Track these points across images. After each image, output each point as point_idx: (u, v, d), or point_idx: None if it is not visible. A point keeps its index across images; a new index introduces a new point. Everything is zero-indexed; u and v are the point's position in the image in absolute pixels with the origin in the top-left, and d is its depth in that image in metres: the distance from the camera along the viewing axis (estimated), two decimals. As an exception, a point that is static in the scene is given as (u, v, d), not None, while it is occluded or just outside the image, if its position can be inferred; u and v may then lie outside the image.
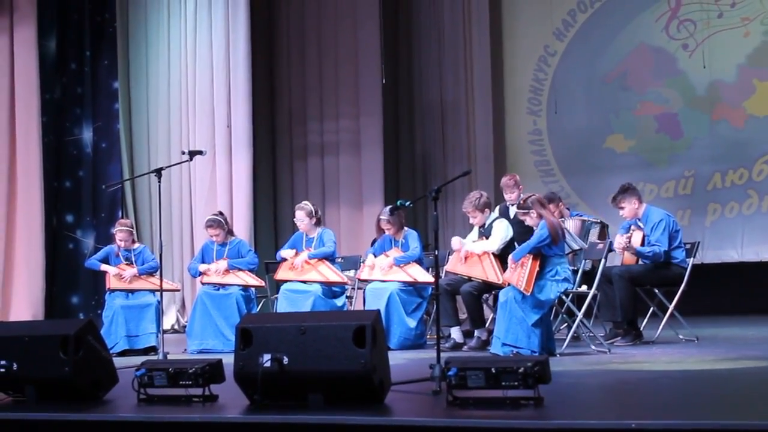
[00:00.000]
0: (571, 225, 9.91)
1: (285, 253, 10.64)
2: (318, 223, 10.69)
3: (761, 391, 6.18)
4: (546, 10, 14.78)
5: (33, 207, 13.56)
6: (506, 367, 5.31)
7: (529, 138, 14.80)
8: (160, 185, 9.25)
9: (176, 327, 13.90)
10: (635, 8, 14.29)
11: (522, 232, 9.43)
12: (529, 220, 8.47)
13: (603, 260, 9.05)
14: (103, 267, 10.76)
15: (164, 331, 9.95)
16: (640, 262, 9.56)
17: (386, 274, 10.10)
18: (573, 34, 14.66)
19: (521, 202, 8.60)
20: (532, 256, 8.27)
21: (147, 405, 5.96)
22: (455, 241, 9.91)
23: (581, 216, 10.64)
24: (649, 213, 9.60)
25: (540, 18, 14.81)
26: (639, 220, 9.62)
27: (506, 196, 10.52)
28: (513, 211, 10.23)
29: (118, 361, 6.99)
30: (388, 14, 14.87)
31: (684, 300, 9.52)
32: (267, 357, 5.58)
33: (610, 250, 9.37)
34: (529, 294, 8.12)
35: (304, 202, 10.84)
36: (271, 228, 15.00)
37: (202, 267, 10.60)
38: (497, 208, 10.54)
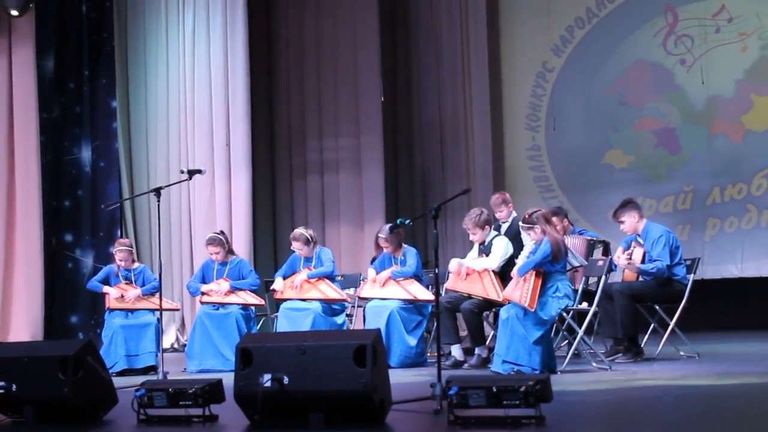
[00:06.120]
0: (578, 244, 9.89)
1: (277, 284, 10.63)
2: (315, 244, 10.69)
3: (764, 407, 6.16)
4: (544, 26, 14.79)
5: (32, 226, 13.54)
6: (507, 385, 5.30)
7: (527, 154, 14.79)
8: (159, 204, 9.24)
9: (176, 346, 13.86)
10: (633, 24, 14.29)
11: (515, 248, 9.45)
12: (533, 235, 8.47)
13: (603, 277, 9.03)
14: (105, 289, 10.72)
15: (164, 351, 9.92)
16: (640, 279, 9.54)
17: (383, 287, 10.09)
18: (571, 49, 14.67)
19: (527, 216, 8.58)
20: (534, 273, 8.27)
21: (147, 426, 5.95)
22: (453, 264, 9.88)
23: (583, 234, 10.62)
24: (649, 229, 9.60)
25: (538, 34, 14.81)
26: (639, 236, 9.61)
27: (496, 215, 10.52)
28: (504, 228, 10.26)
29: (117, 381, 6.99)
30: (386, 32, 14.89)
31: (685, 316, 9.51)
32: (267, 377, 5.58)
33: (611, 269, 9.36)
34: (533, 310, 8.11)
35: (298, 230, 10.76)
36: (271, 246, 14.97)
37: (205, 288, 10.56)
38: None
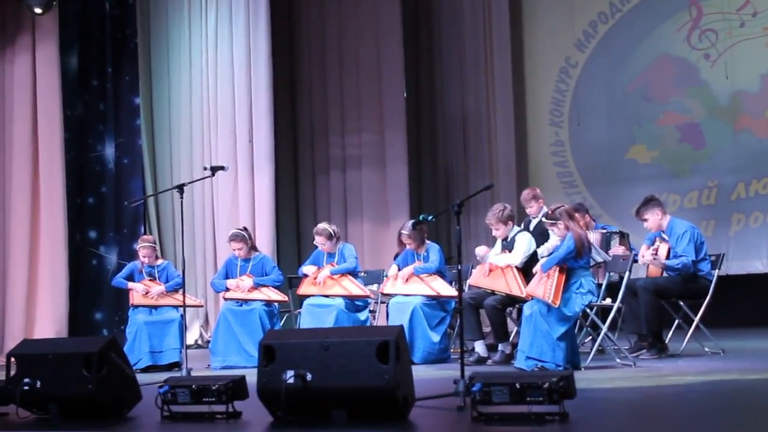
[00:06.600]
0: (592, 237, 9.85)
1: (306, 269, 10.66)
2: (338, 239, 10.70)
3: (789, 404, 6.13)
4: (567, 22, 14.76)
5: (56, 223, 13.58)
6: (531, 382, 5.28)
7: (551, 150, 14.76)
8: (182, 201, 9.27)
9: (200, 342, 13.90)
10: (656, 18, 14.24)
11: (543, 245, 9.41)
12: (557, 231, 8.44)
13: (627, 272, 8.99)
14: (130, 285, 10.78)
15: (188, 347, 9.95)
16: (665, 274, 9.50)
17: (406, 284, 10.09)
18: (594, 45, 14.63)
19: (549, 212, 8.59)
20: (558, 268, 8.25)
21: (170, 422, 5.96)
22: (480, 249, 9.85)
23: (606, 229, 10.59)
24: (674, 225, 9.56)
25: (561, 29, 14.78)
26: (663, 232, 9.57)
27: (527, 210, 10.47)
28: (534, 224, 10.21)
29: (141, 378, 7.01)
30: (409, 27, 14.87)
31: (709, 312, 9.45)
32: (290, 373, 5.58)
33: (635, 261, 9.32)
34: (556, 306, 8.09)
35: (321, 225, 10.79)
36: (294, 243, 14.99)
37: (230, 284, 10.57)
38: (522, 223, 10.48)
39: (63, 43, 13.98)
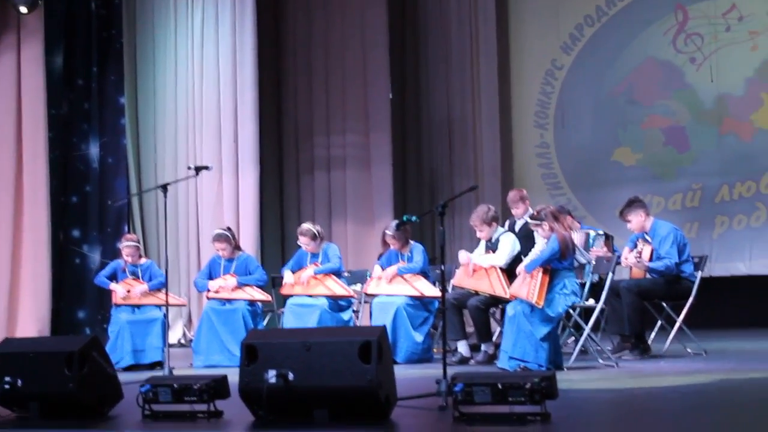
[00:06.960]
0: (576, 238, 9.87)
1: (287, 276, 10.61)
2: (322, 240, 10.68)
3: (770, 405, 6.14)
4: (553, 24, 14.75)
5: (39, 222, 13.53)
6: (513, 382, 5.29)
7: (536, 151, 14.75)
8: (166, 200, 9.26)
9: (182, 341, 13.85)
10: (643, 22, 14.24)
11: (529, 246, 9.41)
12: (541, 232, 8.48)
13: (610, 274, 9.01)
14: (112, 286, 10.73)
15: (170, 346, 9.91)
16: (648, 276, 9.53)
17: (390, 284, 10.09)
18: (580, 47, 14.63)
19: (535, 213, 8.62)
20: (542, 269, 8.26)
21: (152, 421, 5.96)
22: (462, 255, 9.87)
23: (592, 230, 10.61)
24: (657, 227, 9.58)
25: (547, 32, 14.77)
26: (646, 233, 9.59)
27: (513, 211, 10.49)
28: (519, 225, 10.22)
29: (123, 377, 7.00)
30: (395, 29, 14.85)
31: (692, 313, 9.49)
32: (272, 373, 5.57)
33: (617, 263, 9.35)
34: (540, 307, 8.10)
35: (305, 225, 10.76)
36: (278, 243, 14.95)
37: (212, 285, 10.54)
38: (506, 223, 10.48)
39: (48, 42, 13.93)
